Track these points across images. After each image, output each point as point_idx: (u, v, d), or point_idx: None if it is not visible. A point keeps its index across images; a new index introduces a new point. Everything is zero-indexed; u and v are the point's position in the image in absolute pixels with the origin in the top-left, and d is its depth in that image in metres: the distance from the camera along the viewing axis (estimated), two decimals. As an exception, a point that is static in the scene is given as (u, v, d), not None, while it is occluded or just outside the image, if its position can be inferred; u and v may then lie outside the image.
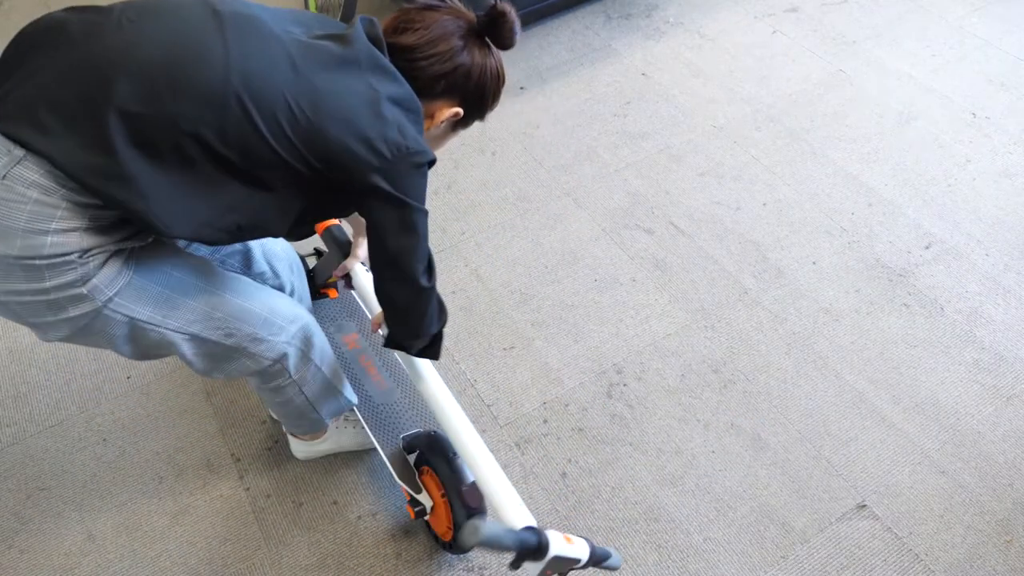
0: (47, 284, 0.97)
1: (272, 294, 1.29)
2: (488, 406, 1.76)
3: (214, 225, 1.00)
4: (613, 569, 1.28)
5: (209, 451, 1.70)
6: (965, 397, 1.77)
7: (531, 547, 1.14)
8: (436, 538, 1.52)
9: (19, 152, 0.91)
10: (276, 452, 1.69)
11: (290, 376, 1.35)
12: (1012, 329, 1.90)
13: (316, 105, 0.97)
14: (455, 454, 1.40)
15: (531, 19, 2.81)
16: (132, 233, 1.03)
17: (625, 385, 1.81)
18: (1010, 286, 1.99)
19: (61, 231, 0.94)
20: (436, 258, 1.91)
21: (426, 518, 1.49)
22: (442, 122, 1.15)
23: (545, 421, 1.74)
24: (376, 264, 1.13)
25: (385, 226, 1.07)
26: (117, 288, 1.04)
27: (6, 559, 1.53)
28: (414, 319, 1.21)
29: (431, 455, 1.43)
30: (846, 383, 1.80)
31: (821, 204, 2.21)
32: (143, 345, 1.15)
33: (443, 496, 1.41)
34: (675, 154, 2.38)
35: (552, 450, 1.69)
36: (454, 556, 1.53)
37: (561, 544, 1.17)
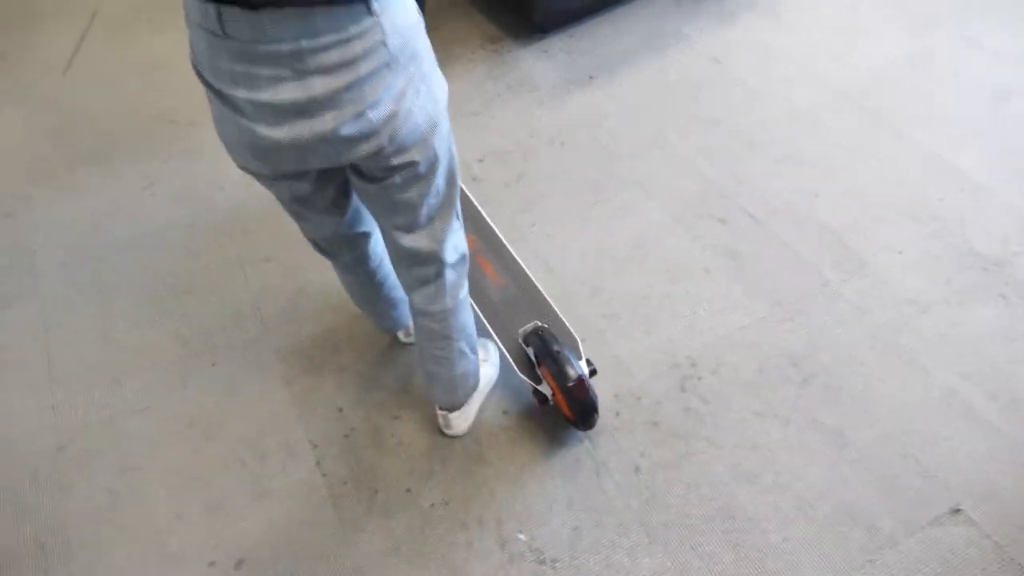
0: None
1: None
2: (559, 397, 1.75)
3: None
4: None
5: (289, 437, 1.75)
6: (1070, 395, 1.66)
7: None
8: (567, 418, 1.61)
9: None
10: (352, 440, 1.73)
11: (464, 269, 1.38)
12: (1124, 323, 1.76)
13: None
14: (560, 348, 1.50)
15: (600, 7, 2.77)
16: None
17: (699, 379, 1.76)
18: (1122, 277, 1.84)
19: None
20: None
21: (551, 404, 1.61)
22: None
23: (617, 414, 1.71)
24: None
25: None
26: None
27: (104, 533, 1.62)
28: None
29: (540, 351, 1.53)
30: (935, 378, 1.71)
31: (906, 189, 2.10)
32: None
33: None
34: (749, 140, 2.30)
35: (624, 443, 1.67)
36: (520, 543, 1.53)
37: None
